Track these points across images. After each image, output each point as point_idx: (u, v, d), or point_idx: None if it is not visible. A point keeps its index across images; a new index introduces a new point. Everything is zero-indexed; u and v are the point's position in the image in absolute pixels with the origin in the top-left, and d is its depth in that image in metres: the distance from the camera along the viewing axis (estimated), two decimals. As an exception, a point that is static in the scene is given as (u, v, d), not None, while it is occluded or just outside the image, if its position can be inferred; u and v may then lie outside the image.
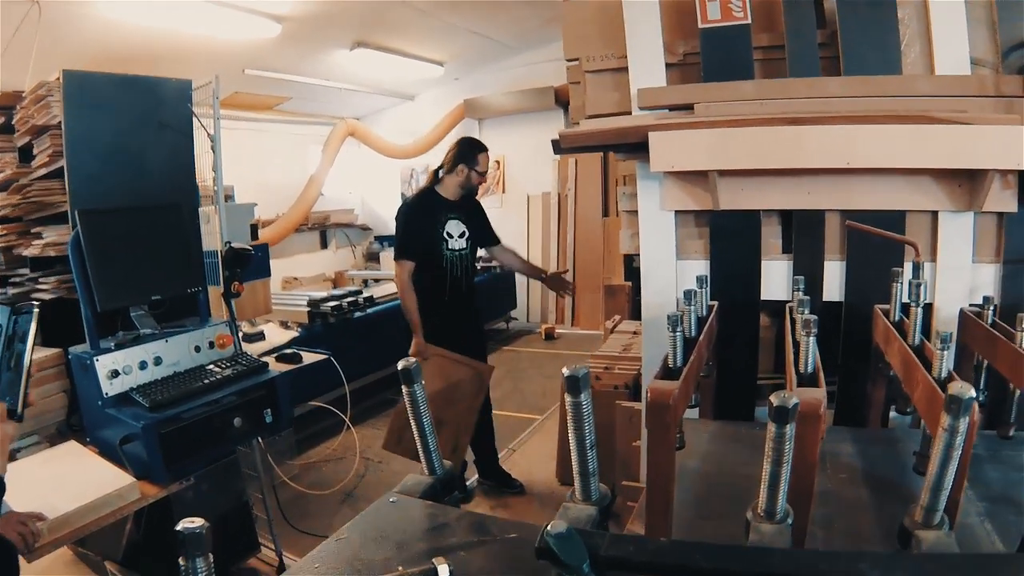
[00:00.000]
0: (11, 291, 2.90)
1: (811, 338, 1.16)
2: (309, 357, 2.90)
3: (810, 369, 1.16)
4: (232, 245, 2.72)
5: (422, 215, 3.02)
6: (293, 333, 3.93)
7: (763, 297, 2.09)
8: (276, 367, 2.61)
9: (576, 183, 6.89)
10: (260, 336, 3.52)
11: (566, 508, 0.84)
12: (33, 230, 2.83)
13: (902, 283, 1.58)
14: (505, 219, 5.61)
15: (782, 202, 2.01)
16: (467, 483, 3.36)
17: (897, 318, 1.57)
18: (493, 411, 3.33)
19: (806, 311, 1.37)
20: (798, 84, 1.98)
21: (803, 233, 2.04)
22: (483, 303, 3.45)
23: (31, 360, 1.15)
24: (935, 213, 1.88)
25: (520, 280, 6.93)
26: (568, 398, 0.81)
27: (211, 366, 2.36)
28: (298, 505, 3.16)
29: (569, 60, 2.48)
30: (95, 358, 2.10)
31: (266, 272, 3.83)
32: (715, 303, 1.74)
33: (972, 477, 1.22)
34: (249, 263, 2.76)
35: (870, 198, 1.90)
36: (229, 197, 5.08)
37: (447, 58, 6.54)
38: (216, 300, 2.74)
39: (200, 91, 2.82)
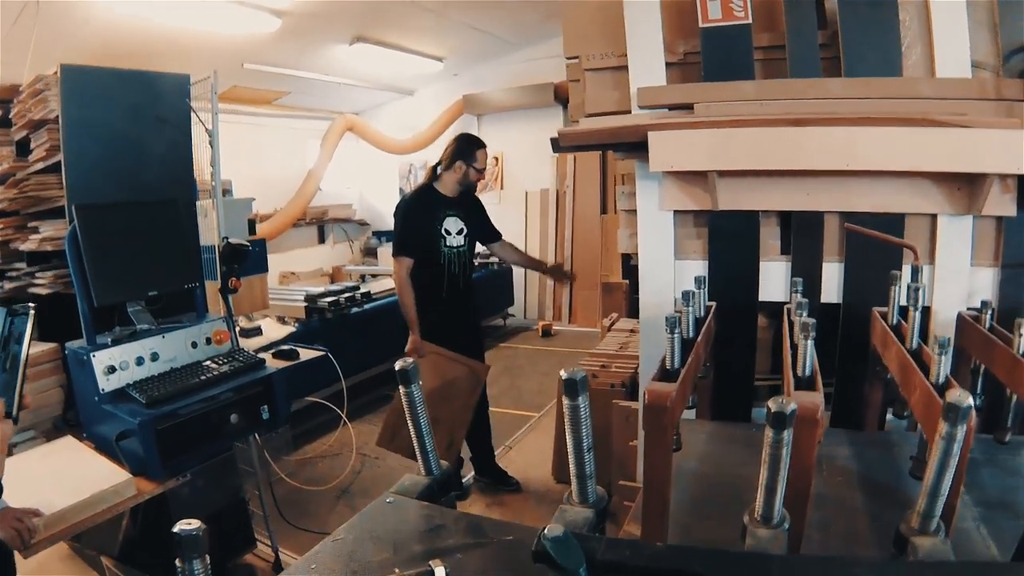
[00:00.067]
0: (7, 286, 2.89)
1: (809, 342, 1.16)
2: (306, 353, 2.89)
3: (808, 373, 1.16)
4: (230, 240, 2.71)
5: (420, 212, 3.01)
6: (290, 329, 3.93)
7: (761, 298, 2.09)
8: (273, 363, 2.60)
9: (575, 180, 6.88)
10: (257, 331, 3.52)
11: (563, 511, 0.84)
12: (30, 224, 2.82)
13: (900, 286, 1.58)
14: (503, 216, 5.57)
15: (781, 203, 2.00)
16: (463, 480, 3.36)
17: (895, 321, 1.57)
18: (489, 408, 3.33)
19: (804, 313, 1.37)
20: (799, 85, 1.98)
21: (802, 234, 2.03)
22: (480, 300, 3.45)
23: (27, 362, 1.14)
24: (934, 216, 1.88)
25: (517, 277, 6.92)
26: (566, 401, 0.81)
27: (208, 362, 2.36)
28: (294, 501, 3.16)
29: (569, 58, 2.47)
30: (92, 353, 2.10)
31: (263, 267, 3.80)
32: (713, 304, 1.74)
33: (968, 482, 1.22)
34: (246, 258, 2.75)
35: (869, 200, 1.90)
36: (227, 192, 5.07)
37: (446, 53, 6.52)
38: (213, 295, 2.74)
39: (198, 85, 2.81)
